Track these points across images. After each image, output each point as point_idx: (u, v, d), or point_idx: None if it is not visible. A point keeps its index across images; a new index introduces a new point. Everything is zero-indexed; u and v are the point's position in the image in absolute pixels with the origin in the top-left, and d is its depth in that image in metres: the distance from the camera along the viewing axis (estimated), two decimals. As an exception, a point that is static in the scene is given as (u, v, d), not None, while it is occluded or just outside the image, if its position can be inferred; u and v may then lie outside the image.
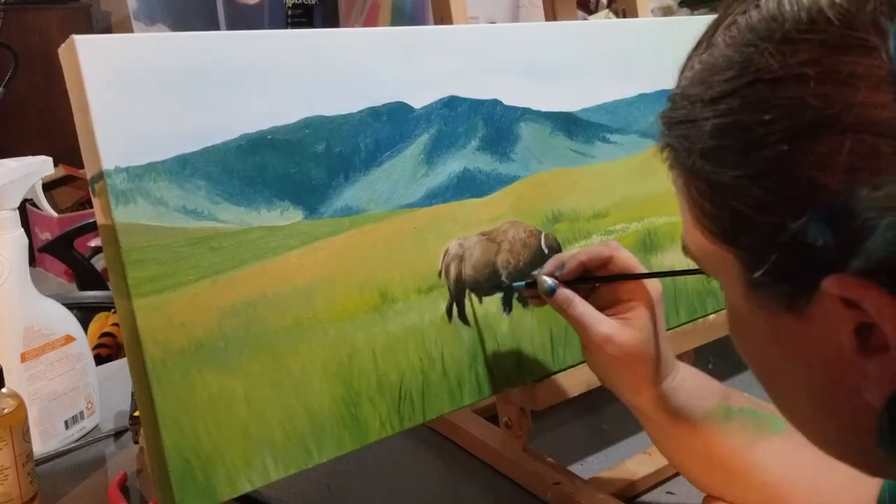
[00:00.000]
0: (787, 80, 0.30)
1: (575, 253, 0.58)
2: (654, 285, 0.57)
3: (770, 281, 0.33)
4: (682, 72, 0.36)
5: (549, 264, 0.59)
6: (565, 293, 0.57)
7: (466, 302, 0.63)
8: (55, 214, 1.05)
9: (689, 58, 0.36)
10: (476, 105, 0.64)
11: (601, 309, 0.57)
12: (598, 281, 0.58)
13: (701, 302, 0.78)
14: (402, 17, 2.24)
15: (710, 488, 0.56)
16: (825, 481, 0.51)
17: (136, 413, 0.74)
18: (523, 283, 0.61)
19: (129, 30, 2.49)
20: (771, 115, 0.30)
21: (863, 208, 0.28)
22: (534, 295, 0.59)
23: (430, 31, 0.65)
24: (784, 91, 0.30)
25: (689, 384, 0.57)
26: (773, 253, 0.32)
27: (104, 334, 1.25)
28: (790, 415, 0.38)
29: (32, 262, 2.50)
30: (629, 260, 0.57)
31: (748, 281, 0.34)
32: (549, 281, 0.57)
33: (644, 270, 0.58)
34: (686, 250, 0.40)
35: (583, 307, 0.56)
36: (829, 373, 0.33)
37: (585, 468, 0.74)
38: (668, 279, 0.76)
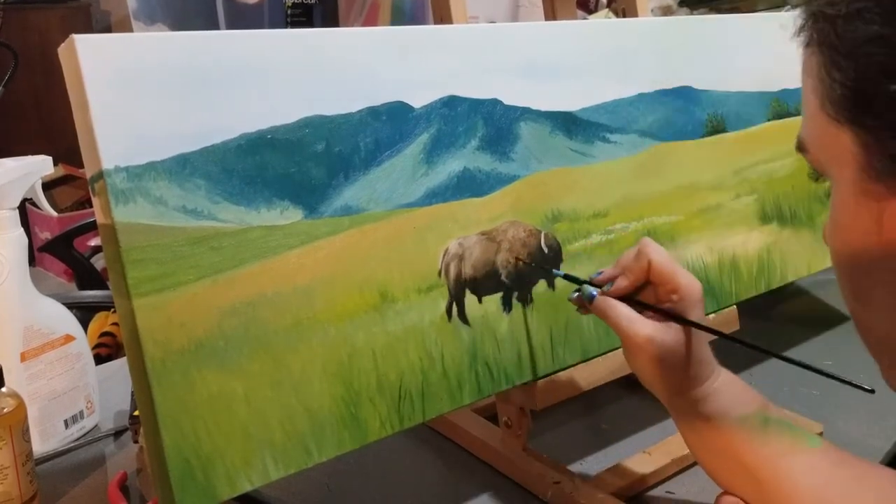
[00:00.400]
0: None
1: (617, 272, 0.59)
2: (693, 285, 0.57)
3: (890, 163, 0.33)
4: None
5: (605, 276, 0.60)
6: (603, 298, 0.58)
7: (466, 301, 0.63)
8: (55, 214, 1.05)
9: None
10: (476, 105, 0.64)
11: (640, 311, 0.57)
12: (645, 307, 0.58)
13: (701, 301, 0.78)
14: (402, 16, 2.24)
15: (738, 495, 0.55)
16: (856, 500, 0.50)
17: (136, 412, 0.74)
18: (562, 273, 0.64)
19: (129, 29, 2.49)
20: None
21: None
22: (579, 302, 0.61)
23: (430, 30, 0.65)
24: None
25: (730, 389, 0.56)
26: None
27: (104, 334, 1.25)
28: (872, 328, 0.38)
29: (32, 261, 2.50)
30: (665, 262, 0.57)
31: (865, 165, 0.35)
32: (590, 289, 0.59)
33: (674, 261, 0.58)
34: (801, 146, 0.41)
35: (622, 309, 0.57)
36: None
37: (585, 468, 0.74)
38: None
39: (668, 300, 0.57)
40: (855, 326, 0.40)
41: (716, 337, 0.57)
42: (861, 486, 0.51)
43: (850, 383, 0.50)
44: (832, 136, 0.36)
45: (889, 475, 0.51)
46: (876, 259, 0.36)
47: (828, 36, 0.36)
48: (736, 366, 0.95)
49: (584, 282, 0.61)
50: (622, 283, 0.58)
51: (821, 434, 0.77)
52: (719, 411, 0.55)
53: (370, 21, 2.22)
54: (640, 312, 0.57)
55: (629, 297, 0.58)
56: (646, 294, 0.59)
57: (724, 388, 0.56)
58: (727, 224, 0.82)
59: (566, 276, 0.63)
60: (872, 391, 0.49)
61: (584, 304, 0.59)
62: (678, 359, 0.55)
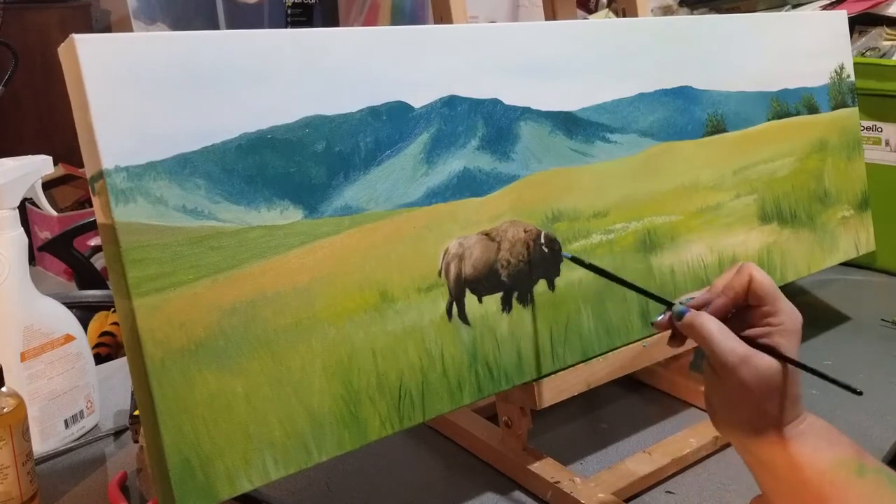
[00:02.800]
0: None
1: (712, 296, 0.54)
2: (794, 314, 0.52)
3: None
4: None
5: (700, 300, 0.55)
6: (696, 312, 0.53)
7: (466, 301, 0.63)
8: (55, 213, 1.05)
9: None
10: (476, 104, 0.64)
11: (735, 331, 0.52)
12: (746, 340, 0.52)
13: (701, 301, 0.78)
14: (402, 16, 2.24)
15: None
16: None
17: (136, 412, 0.74)
18: (676, 302, 0.56)
19: (129, 29, 2.49)
20: None
21: None
22: (665, 327, 0.56)
23: (430, 30, 0.65)
24: None
25: (818, 432, 0.51)
26: None
27: (104, 333, 1.25)
28: None
29: (32, 261, 2.51)
30: (766, 279, 0.53)
31: None
32: (680, 307, 0.54)
33: (778, 292, 0.53)
34: None
35: (716, 324, 0.51)
36: None
37: (585, 468, 0.74)
38: (667, 275, 0.76)
39: (765, 324, 0.52)
40: None
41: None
42: None
43: (839, 383, 0.49)
44: None
45: None
46: None
47: None
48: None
49: (664, 301, 0.56)
50: (720, 302, 0.53)
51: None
52: (809, 454, 0.49)
53: (370, 21, 2.22)
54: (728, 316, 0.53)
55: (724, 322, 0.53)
56: (740, 322, 0.53)
57: (813, 429, 0.51)
58: (727, 224, 0.82)
59: (663, 301, 0.57)
60: (860, 393, 0.48)
61: (673, 324, 0.54)
62: (769, 388, 0.50)
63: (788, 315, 0.52)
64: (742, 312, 0.54)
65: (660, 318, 0.56)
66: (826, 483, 0.48)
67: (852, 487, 0.48)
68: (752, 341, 0.51)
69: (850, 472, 0.48)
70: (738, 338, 0.51)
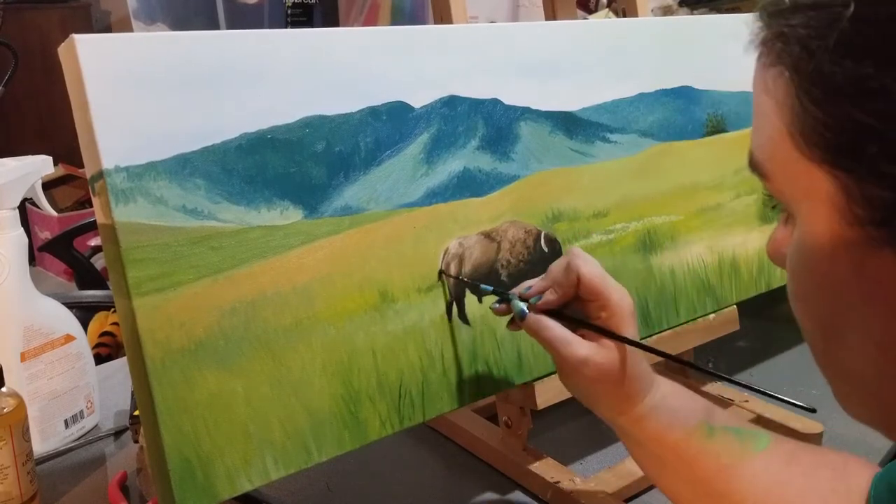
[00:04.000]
0: None
1: (551, 285, 0.56)
2: (624, 300, 0.55)
3: (876, 212, 0.29)
4: None
5: (535, 289, 0.57)
6: (535, 316, 0.55)
7: (466, 301, 0.63)
8: (55, 213, 1.05)
9: None
10: (476, 104, 0.64)
11: (573, 329, 0.55)
12: (578, 325, 0.55)
13: (701, 301, 0.78)
14: (402, 16, 2.24)
15: None
16: (809, 497, 0.49)
17: (136, 412, 0.74)
18: (491, 288, 0.60)
19: (129, 29, 2.49)
20: None
21: None
22: (503, 312, 0.59)
23: (430, 30, 0.65)
24: None
25: (671, 402, 0.54)
26: (891, 179, 0.28)
27: (104, 333, 1.25)
28: (846, 375, 0.35)
29: (32, 261, 2.50)
30: (595, 278, 0.54)
31: (843, 209, 0.30)
32: (520, 305, 0.56)
33: (606, 275, 0.55)
34: (757, 167, 0.35)
35: (556, 330, 0.54)
36: None
37: (585, 467, 0.74)
38: (667, 275, 0.76)
39: (598, 317, 0.55)
40: (811, 350, 0.37)
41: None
42: (809, 480, 0.50)
43: (792, 403, 0.49)
44: (802, 170, 0.31)
45: (838, 459, 0.51)
46: (853, 305, 0.32)
47: (803, 64, 0.30)
48: (736, 366, 0.96)
49: (502, 294, 0.58)
50: (550, 298, 0.55)
51: (821, 434, 0.77)
52: (664, 427, 0.53)
53: (370, 21, 2.22)
54: (572, 329, 0.55)
55: (559, 312, 0.56)
56: (576, 313, 0.56)
57: (665, 401, 0.54)
58: (727, 224, 0.82)
59: (494, 291, 0.60)
60: (814, 410, 0.48)
61: (515, 320, 0.57)
62: (615, 377, 0.53)
63: (617, 304, 0.54)
64: (583, 307, 0.56)
65: (497, 306, 0.59)
66: (686, 455, 0.52)
67: (705, 450, 0.52)
68: (589, 325, 0.54)
69: (701, 437, 0.52)
70: (578, 338, 0.54)
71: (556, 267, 0.56)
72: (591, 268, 0.55)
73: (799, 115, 0.31)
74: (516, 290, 0.58)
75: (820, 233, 0.32)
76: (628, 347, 0.53)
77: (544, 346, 0.55)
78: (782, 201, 0.35)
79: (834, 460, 0.51)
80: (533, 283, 0.57)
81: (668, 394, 0.55)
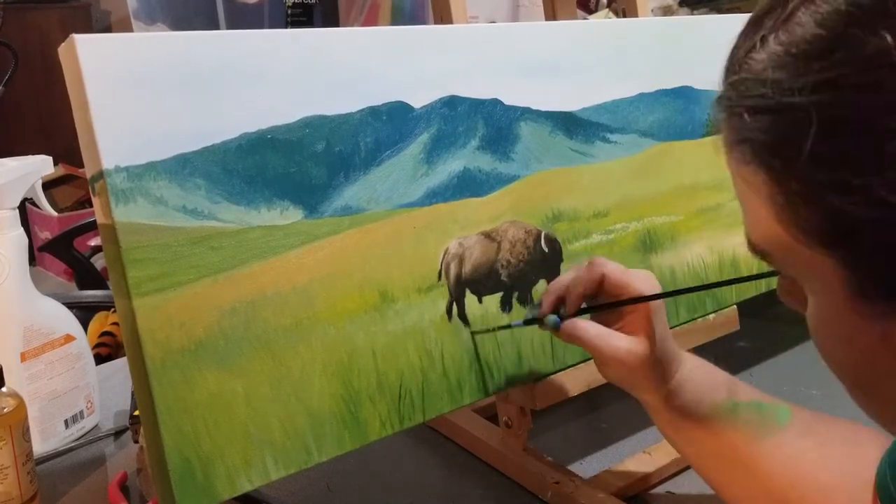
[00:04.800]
0: None
1: (569, 285, 0.58)
2: (649, 281, 0.57)
3: (886, 287, 0.29)
4: (747, 52, 0.32)
5: (548, 302, 0.59)
6: (571, 322, 0.57)
7: (466, 301, 0.63)
8: (55, 213, 1.05)
9: (751, 35, 0.32)
10: (476, 104, 0.64)
11: (606, 325, 0.57)
12: (600, 309, 0.58)
13: (701, 301, 0.78)
14: (402, 16, 2.24)
15: (718, 483, 0.57)
16: (822, 470, 0.51)
17: (136, 412, 0.74)
18: (521, 322, 0.63)
19: (129, 29, 2.49)
20: None
21: None
22: (532, 322, 0.61)
23: (430, 30, 0.65)
24: None
25: (697, 377, 0.57)
26: (892, 257, 0.28)
27: (104, 333, 1.25)
28: (886, 405, 0.34)
29: (32, 261, 2.51)
30: (617, 272, 0.57)
31: (855, 286, 0.30)
32: (552, 318, 0.58)
33: (629, 272, 0.57)
34: (755, 249, 0.35)
35: (593, 329, 0.56)
36: None
37: (585, 467, 0.74)
38: (667, 275, 0.76)
39: (631, 310, 0.56)
40: (845, 387, 0.36)
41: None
42: (825, 451, 0.52)
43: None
44: (802, 252, 0.31)
45: (855, 429, 0.52)
46: (884, 369, 0.32)
47: (779, 168, 0.30)
48: (736, 366, 0.96)
49: (534, 321, 0.60)
50: (573, 298, 0.57)
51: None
52: (691, 402, 0.56)
53: (370, 21, 2.22)
54: (598, 321, 0.57)
55: (587, 309, 0.58)
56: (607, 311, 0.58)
57: (692, 376, 0.57)
58: (727, 224, 0.82)
59: (526, 323, 0.62)
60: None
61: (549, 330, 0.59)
62: (652, 364, 0.55)
63: (644, 283, 0.56)
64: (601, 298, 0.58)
65: (520, 323, 0.62)
66: (712, 429, 0.55)
67: (730, 425, 0.55)
68: (619, 302, 0.56)
69: (724, 414, 0.55)
70: (613, 332, 0.56)
71: (576, 268, 0.58)
72: (613, 269, 0.57)
73: (785, 209, 0.30)
74: (545, 307, 0.59)
75: (837, 306, 0.31)
76: (658, 338, 0.55)
77: (584, 348, 0.57)
78: (790, 276, 0.34)
79: (847, 430, 0.53)
80: (541, 302, 0.59)
81: (693, 368, 0.57)
